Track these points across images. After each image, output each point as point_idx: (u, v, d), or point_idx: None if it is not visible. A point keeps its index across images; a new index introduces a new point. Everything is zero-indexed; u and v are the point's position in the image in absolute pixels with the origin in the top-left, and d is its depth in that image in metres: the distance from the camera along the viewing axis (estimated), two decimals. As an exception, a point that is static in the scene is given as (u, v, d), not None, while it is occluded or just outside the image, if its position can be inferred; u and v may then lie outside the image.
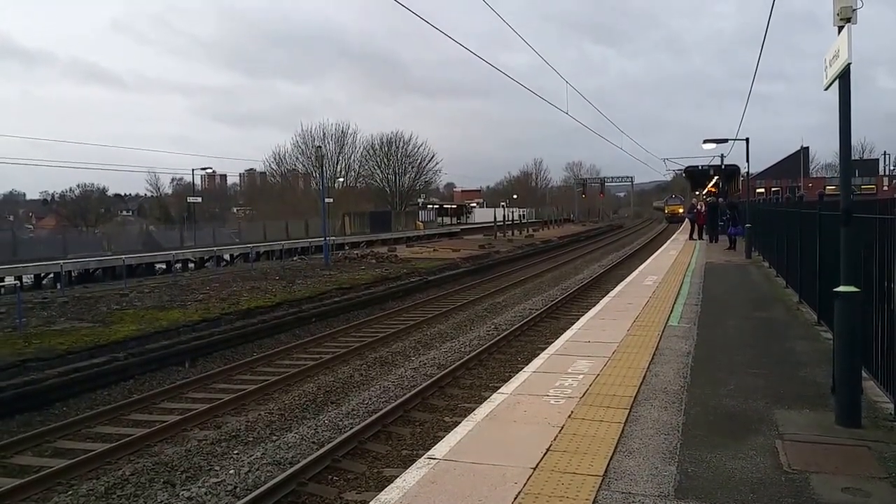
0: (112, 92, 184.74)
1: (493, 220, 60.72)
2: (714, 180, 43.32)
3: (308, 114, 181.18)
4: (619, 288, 14.91)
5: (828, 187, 55.40)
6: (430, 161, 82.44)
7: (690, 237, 32.85)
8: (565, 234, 59.87)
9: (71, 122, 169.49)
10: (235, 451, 8.29)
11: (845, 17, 5.20)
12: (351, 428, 8.53)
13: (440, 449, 5.06)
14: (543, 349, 9.05)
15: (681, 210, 73.59)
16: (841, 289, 5.38)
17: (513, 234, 57.59)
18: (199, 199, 58.49)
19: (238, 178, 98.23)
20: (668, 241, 33.42)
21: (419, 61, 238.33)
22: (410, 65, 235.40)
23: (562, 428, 5.44)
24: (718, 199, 35.28)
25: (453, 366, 11.52)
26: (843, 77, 5.32)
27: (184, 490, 7.08)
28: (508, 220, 63.73)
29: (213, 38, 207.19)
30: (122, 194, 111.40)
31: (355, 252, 37.22)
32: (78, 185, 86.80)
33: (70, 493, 7.30)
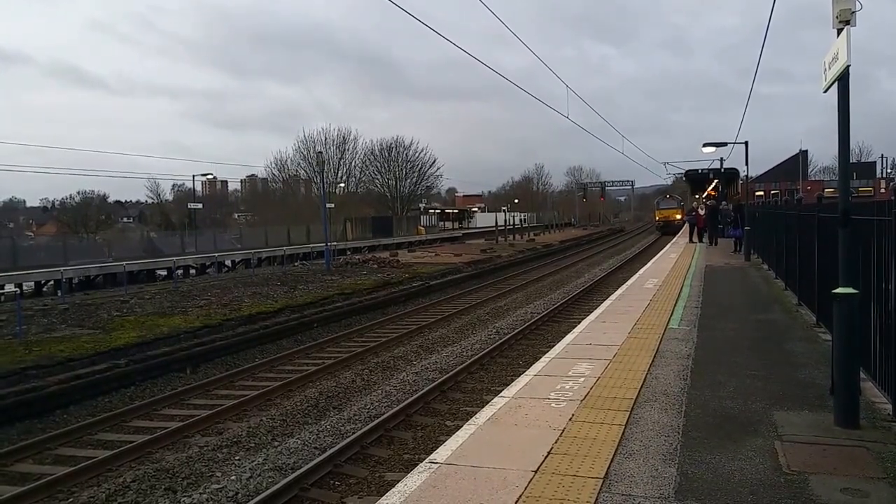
0: (96, 95, 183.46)
1: (494, 224, 60.79)
2: (714, 184, 43.35)
3: (301, 118, 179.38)
4: (619, 291, 14.92)
5: (826, 190, 55.35)
6: (430, 166, 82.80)
7: (690, 240, 32.90)
8: (566, 238, 59.94)
9: (57, 127, 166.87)
10: (237, 457, 8.29)
11: (844, 20, 5.23)
12: (353, 433, 8.53)
13: (442, 453, 5.07)
14: (545, 352, 9.05)
15: (678, 216, 59.24)
16: (839, 290, 5.39)
17: (514, 238, 57.67)
18: (200, 206, 58.54)
19: (239, 184, 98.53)
20: (669, 245, 33.44)
21: (415, 63, 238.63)
22: (406, 67, 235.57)
23: (563, 431, 5.45)
24: (720, 204, 35.31)
25: (455, 370, 11.52)
26: (843, 79, 5.35)
27: (185, 497, 7.08)
28: (510, 225, 63.81)
29: (197, 38, 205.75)
30: (123, 201, 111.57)
31: (357, 257, 37.26)
32: (78, 192, 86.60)
33: (71, 500, 7.32)
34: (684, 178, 54.22)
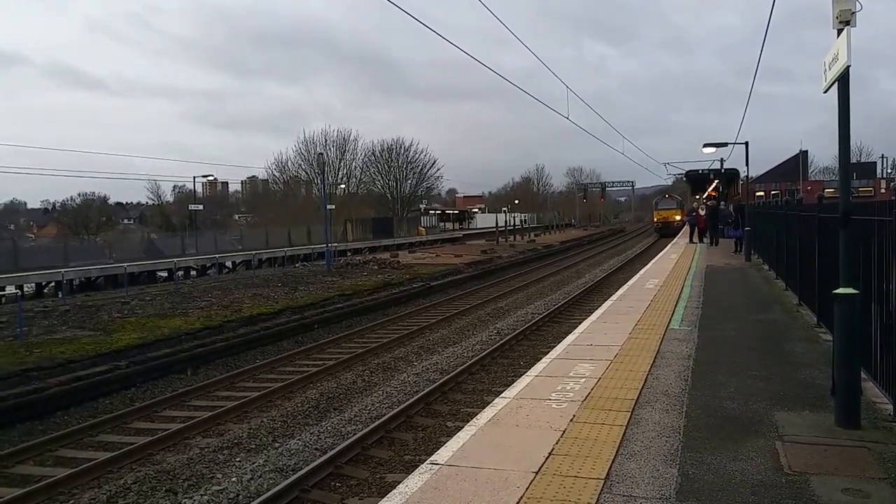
0: (95, 96, 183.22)
1: (495, 225, 60.80)
2: (714, 184, 43.38)
3: (301, 118, 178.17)
4: (620, 292, 14.91)
5: (826, 190, 55.25)
6: (431, 167, 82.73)
7: (690, 240, 32.88)
8: (567, 238, 59.98)
9: (57, 128, 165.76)
10: (238, 459, 8.29)
11: (844, 20, 5.22)
12: (354, 434, 8.53)
13: (443, 454, 5.06)
14: (546, 353, 9.06)
15: (678, 217, 56.11)
16: (840, 290, 5.39)
17: (515, 239, 57.68)
18: (201, 207, 58.53)
19: (240, 185, 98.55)
20: (669, 246, 33.42)
21: (415, 63, 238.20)
22: (406, 67, 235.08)
23: (564, 431, 5.45)
24: (720, 204, 35.32)
25: (456, 370, 11.52)
26: (843, 79, 5.35)
27: (186, 498, 7.09)
28: (510, 226, 63.81)
29: (197, 38, 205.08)
30: (124, 202, 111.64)
31: (358, 258, 37.28)
32: (79, 194, 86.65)
33: (72, 502, 7.32)
34: (685, 179, 54.31)
